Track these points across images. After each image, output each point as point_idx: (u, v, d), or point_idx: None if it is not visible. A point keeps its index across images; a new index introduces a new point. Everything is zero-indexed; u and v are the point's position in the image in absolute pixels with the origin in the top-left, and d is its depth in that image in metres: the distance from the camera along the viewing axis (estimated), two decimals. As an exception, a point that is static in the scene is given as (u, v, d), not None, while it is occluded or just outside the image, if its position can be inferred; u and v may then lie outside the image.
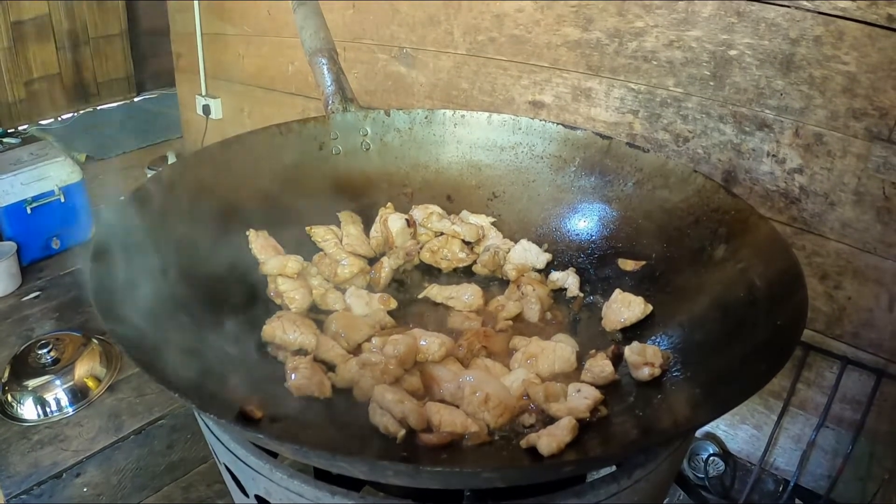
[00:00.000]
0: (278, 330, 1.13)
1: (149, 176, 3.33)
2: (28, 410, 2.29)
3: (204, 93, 3.36)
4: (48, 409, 2.30)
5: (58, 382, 2.32)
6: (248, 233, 1.30)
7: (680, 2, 1.81)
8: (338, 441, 0.98)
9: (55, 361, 2.37)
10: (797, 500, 2.07)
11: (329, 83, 1.49)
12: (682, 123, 1.90)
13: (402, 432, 0.96)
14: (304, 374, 1.04)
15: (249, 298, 1.25)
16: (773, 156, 1.78)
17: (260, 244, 1.29)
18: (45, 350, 2.37)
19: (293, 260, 1.26)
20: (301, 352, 1.13)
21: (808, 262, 1.82)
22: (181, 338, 1.02)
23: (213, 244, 1.23)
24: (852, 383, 1.85)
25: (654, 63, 1.89)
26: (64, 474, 2.14)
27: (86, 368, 2.40)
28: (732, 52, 1.76)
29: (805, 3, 1.62)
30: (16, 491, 2.05)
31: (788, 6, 1.65)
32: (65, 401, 2.32)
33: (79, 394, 2.35)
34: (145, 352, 0.91)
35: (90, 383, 2.39)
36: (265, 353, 1.15)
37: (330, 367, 1.12)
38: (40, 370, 2.34)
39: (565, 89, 2.09)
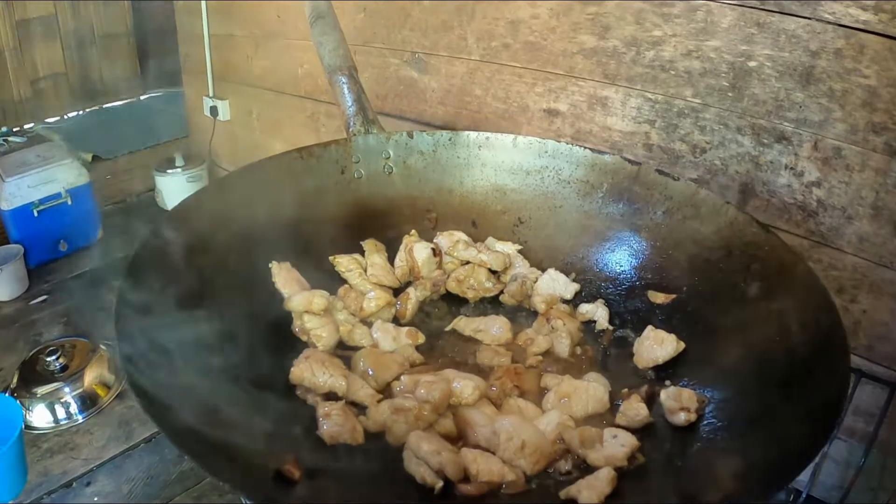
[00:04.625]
0: (307, 372, 1.11)
1: (155, 176, 3.33)
2: (37, 418, 2.28)
3: (211, 94, 3.32)
4: (58, 417, 2.29)
5: (67, 390, 2.31)
6: (270, 265, 1.28)
7: (699, 11, 1.78)
8: (376, 495, 0.97)
9: (64, 368, 2.36)
10: (809, 511, 2.08)
11: (350, 103, 1.47)
12: (699, 134, 1.88)
13: (440, 484, 0.96)
14: (336, 421, 1.03)
15: (274, 334, 1.23)
16: (791, 168, 1.77)
17: (283, 277, 1.27)
18: (53, 357, 2.36)
19: (319, 296, 1.24)
20: (330, 395, 1.11)
21: (825, 276, 1.81)
22: (204, 386, 1.00)
23: (235, 277, 1.21)
24: (866, 396, 1.85)
25: (672, 73, 1.87)
26: (74, 483, 2.13)
27: (94, 375, 2.39)
28: (752, 64, 1.74)
29: (826, 15, 1.60)
30: (26, 500, 2.04)
31: (809, 18, 1.63)
32: (74, 408, 2.32)
33: (88, 401, 2.34)
34: (165, 409, 0.88)
35: (99, 391, 2.38)
36: (293, 395, 1.13)
37: (360, 408, 1.11)
38: (49, 377, 2.33)
39: (581, 97, 2.07)
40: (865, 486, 1.92)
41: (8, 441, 1.66)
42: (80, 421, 2.31)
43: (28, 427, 2.27)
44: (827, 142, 1.70)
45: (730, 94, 1.81)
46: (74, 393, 2.32)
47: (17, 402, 1.95)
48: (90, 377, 2.37)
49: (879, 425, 1.82)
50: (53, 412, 2.29)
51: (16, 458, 1.79)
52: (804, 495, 1.97)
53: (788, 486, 2.10)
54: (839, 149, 1.69)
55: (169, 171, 3.30)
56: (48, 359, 2.36)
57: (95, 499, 2.11)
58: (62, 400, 2.31)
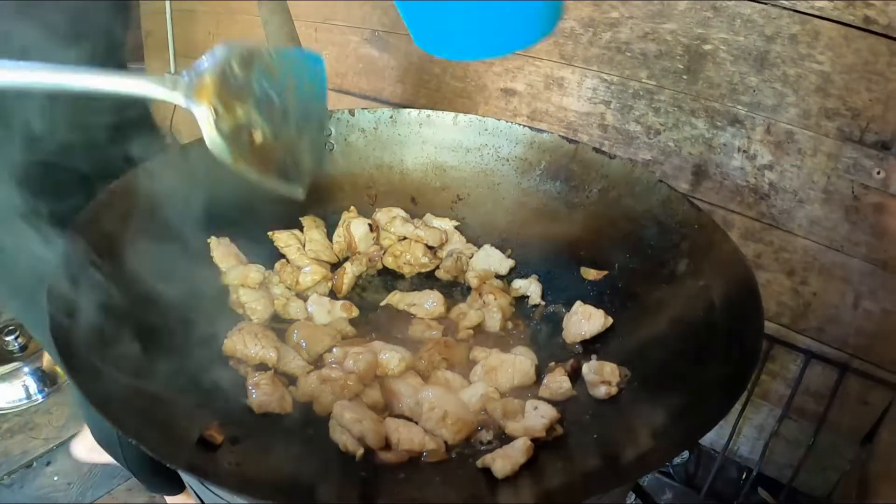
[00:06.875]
0: (239, 344, 1.12)
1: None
2: (-3, 398, 2.28)
3: (173, 71, 3.28)
4: (17, 397, 2.29)
5: (26, 369, 2.31)
6: (209, 240, 1.28)
7: (655, -7, 1.79)
8: (298, 462, 0.98)
9: (23, 348, 2.36)
10: (760, 489, 2.11)
11: (293, 82, 1.46)
12: (653, 116, 1.89)
13: (361, 451, 0.97)
14: (265, 390, 1.03)
15: (212, 308, 1.22)
16: (744, 151, 1.78)
17: (221, 252, 1.27)
18: (11, 336, 2.36)
19: (254, 270, 1.24)
20: (262, 366, 1.12)
21: (776, 258, 1.83)
22: (140, 356, 1.00)
23: (175, 252, 1.20)
24: (816, 377, 1.88)
25: (628, 54, 1.88)
26: (34, 463, 2.13)
27: (54, 354, 2.38)
28: (707, 47, 1.75)
29: (782, 0, 1.61)
30: (-15, 483, 2.05)
31: (765, 3, 1.63)
32: (33, 388, 2.31)
33: (47, 380, 2.34)
34: (92, 374, 0.89)
35: (58, 369, 2.38)
36: (226, 367, 1.14)
37: (291, 380, 1.12)
38: (8, 357, 2.33)
39: (538, 77, 2.06)
40: (816, 466, 1.95)
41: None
42: (40, 400, 2.31)
43: (-13, 408, 2.27)
44: (780, 126, 1.71)
45: (685, 77, 1.81)
46: (33, 372, 2.32)
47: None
48: (49, 356, 2.36)
49: (829, 406, 1.85)
50: (13, 392, 2.29)
51: None
52: (755, 473, 2.01)
53: (740, 465, 2.14)
54: (792, 133, 1.70)
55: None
56: (7, 338, 2.36)
57: (55, 478, 2.12)
58: (21, 380, 2.30)
